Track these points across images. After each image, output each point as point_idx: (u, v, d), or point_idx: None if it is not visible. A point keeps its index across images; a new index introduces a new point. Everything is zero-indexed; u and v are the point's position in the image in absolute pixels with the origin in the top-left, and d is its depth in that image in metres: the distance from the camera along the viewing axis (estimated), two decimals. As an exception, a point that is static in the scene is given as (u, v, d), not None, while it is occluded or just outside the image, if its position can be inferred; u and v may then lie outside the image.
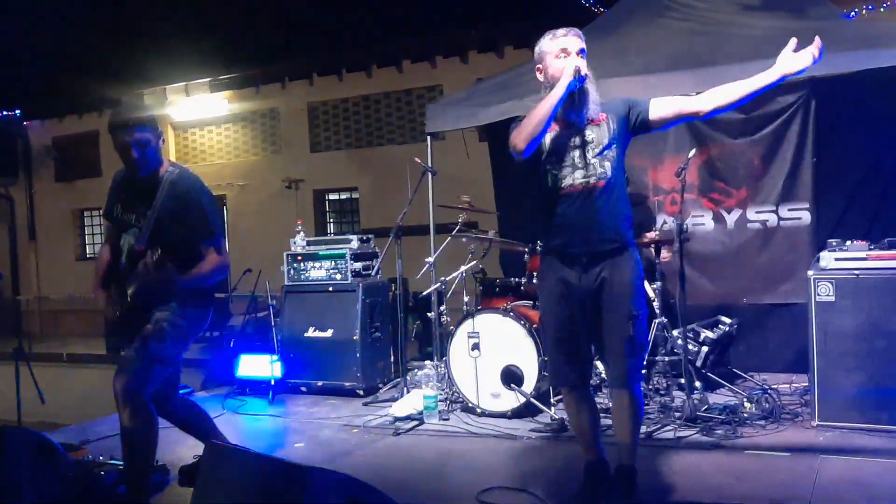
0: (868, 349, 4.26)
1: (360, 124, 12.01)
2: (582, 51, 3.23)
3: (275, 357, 6.07)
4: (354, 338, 5.97)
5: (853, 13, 7.40)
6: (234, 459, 2.51)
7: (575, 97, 3.15)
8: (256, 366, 6.19)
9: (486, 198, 7.01)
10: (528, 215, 5.73)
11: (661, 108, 3.24)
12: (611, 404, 3.39)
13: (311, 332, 6.15)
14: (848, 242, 4.52)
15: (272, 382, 5.99)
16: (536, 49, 3.34)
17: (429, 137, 6.48)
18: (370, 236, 6.58)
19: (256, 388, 6.14)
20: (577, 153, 3.20)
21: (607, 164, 3.20)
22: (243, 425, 5.38)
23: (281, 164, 12.12)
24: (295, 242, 6.43)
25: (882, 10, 7.53)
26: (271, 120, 12.66)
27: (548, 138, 3.23)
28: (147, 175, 3.55)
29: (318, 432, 5.08)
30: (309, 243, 6.42)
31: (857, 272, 4.33)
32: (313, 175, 11.65)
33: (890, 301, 4.22)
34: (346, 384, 5.97)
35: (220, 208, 12.09)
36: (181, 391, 3.94)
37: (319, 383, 6.06)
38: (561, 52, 3.22)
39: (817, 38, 3.06)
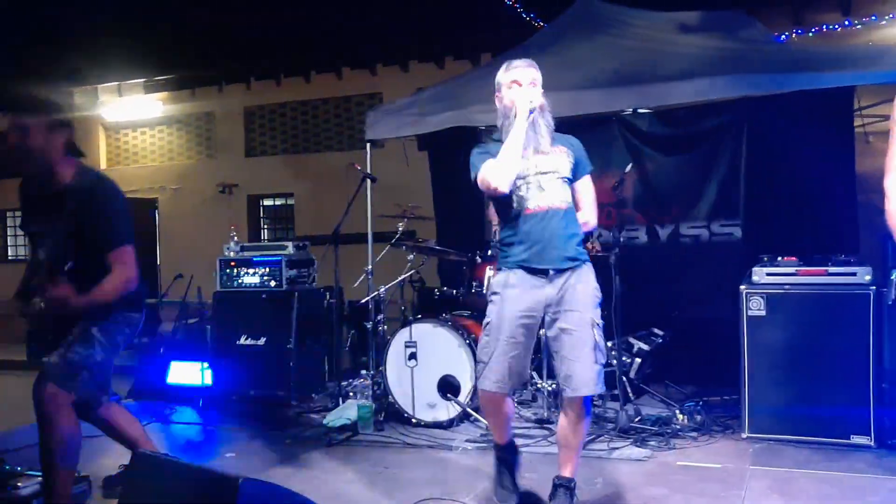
0: (797, 363, 4.37)
1: (298, 130, 11.90)
2: (534, 81, 3.39)
3: (206, 365, 5.92)
4: (288, 346, 5.87)
5: (784, 36, 7.64)
6: (163, 469, 2.42)
7: (533, 126, 3.34)
8: (187, 373, 6.04)
9: (425, 207, 6.99)
10: (466, 224, 5.76)
11: (578, 189, 3.53)
12: (563, 413, 3.44)
13: (244, 340, 6.03)
14: (779, 258, 4.63)
15: (203, 391, 5.84)
16: (496, 79, 3.49)
17: (368, 145, 6.42)
18: (306, 243, 6.48)
19: (187, 396, 5.98)
20: (540, 178, 3.37)
21: (566, 191, 3.42)
22: (173, 434, 5.23)
23: (215, 169, 11.91)
24: (228, 248, 6.29)
25: (811, 34, 7.80)
26: (206, 123, 12.44)
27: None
28: (49, 179, 3.33)
29: (250, 442, 4.97)
30: (243, 249, 6.29)
31: (787, 287, 4.44)
32: (248, 180, 11.48)
33: (818, 316, 4.34)
34: (279, 393, 5.86)
35: (147, 213, 11.83)
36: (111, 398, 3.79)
37: (251, 392, 5.94)
38: (512, 83, 3.39)
39: None
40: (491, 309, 3.45)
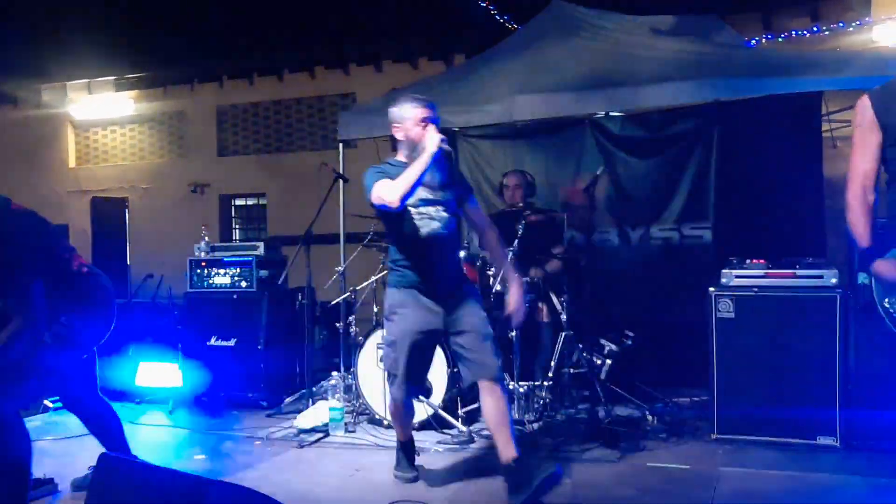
0: (765, 364, 4.41)
1: (271, 129, 11.81)
2: (435, 120, 3.77)
3: (176, 366, 5.86)
4: (259, 347, 5.83)
5: (754, 41, 7.72)
6: (130, 472, 2.39)
7: (437, 163, 3.69)
8: (156, 375, 5.98)
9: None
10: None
11: (471, 214, 3.99)
12: (482, 396, 3.76)
13: (214, 341, 5.97)
14: (748, 261, 4.67)
15: (173, 392, 5.78)
16: (395, 111, 3.83)
17: (341, 145, 6.41)
18: (278, 244, 6.44)
19: (156, 397, 5.92)
20: (433, 208, 3.78)
21: (452, 220, 3.85)
22: (141, 436, 5.17)
23: (187, 168, 11.80)
24: (199, 248, 6.23)
25: (780, 39, 7.90)
26: (178, 122, 12.31)
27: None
28: None
29: (220, 444, 4.93)
30: (213, 249, 6.24)
31: (755, 290, 4.49)
32: (220, 180, 11.38)
33: (786, 318, 4.39)
34: (250, 395, 5.83)
35: (117, 213, 11.69)
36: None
37: (221, 394, 5.88)
38: (420, 121, 3.74)
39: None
40: (391, 327, 3.84)
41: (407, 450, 4.16)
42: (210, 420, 5.53)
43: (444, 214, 3.80)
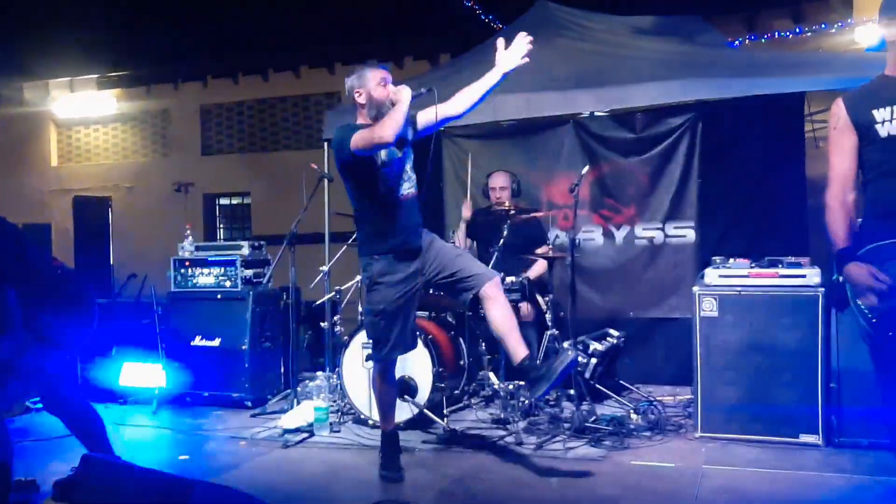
0: (748, 363, 4.44)
1: (255, 128, 11.78)
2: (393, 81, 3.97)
3: (159, 366, 5.83)
4: (243, 347, 5.81)
5: (738, 42, 7.78)
6: (113, 473, 2.38)
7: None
8: (140, 375, 5.94)
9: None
10: (426, 224, 5.74)
11: (424, 116, 4.04)
12: (486, 306, 3.93)
13: (198, 341, 5.94)
14: (731, 260, 4.70)
15: (156, 392, 5.76)
16: (355, 78, 3.99)
17: (325, 144, 6.40)
18: (262, 243, 6.41)
19: (140, 397, 5.88)
20: (405, 167, 3.97)
21: (414, 177, 4.02)
22: (125, 437, 5.14)
23: (171, 167, 11.75)
24: (183, 247, 6.20)
25: (763, 40, 7.95)
26: (162, 121, 12.27)
27: (384, 152, 3.87)
28: None
29: (204, 445, 4.90)
30: (198, 248, 6.21)
31: (739, 289, 4.52)
32: (204, 179, 11.34)
33: (769, 317, 4.42)
34: (234, 395, 5.79)
35: (100, 212, 11.61)
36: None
37: (206, 394, 5.86)
38: (381, 81, 3.94)
39: (522, 34, 3.95)
40: (376, 296, 3.95)
41: (393, 446, 4.17)
42: (194, 420, 5.50)
43: (412, 174, 4.01)
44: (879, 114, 2.97)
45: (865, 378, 4.20)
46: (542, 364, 3.85)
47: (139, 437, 5.16)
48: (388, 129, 3.66)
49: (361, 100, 3.97)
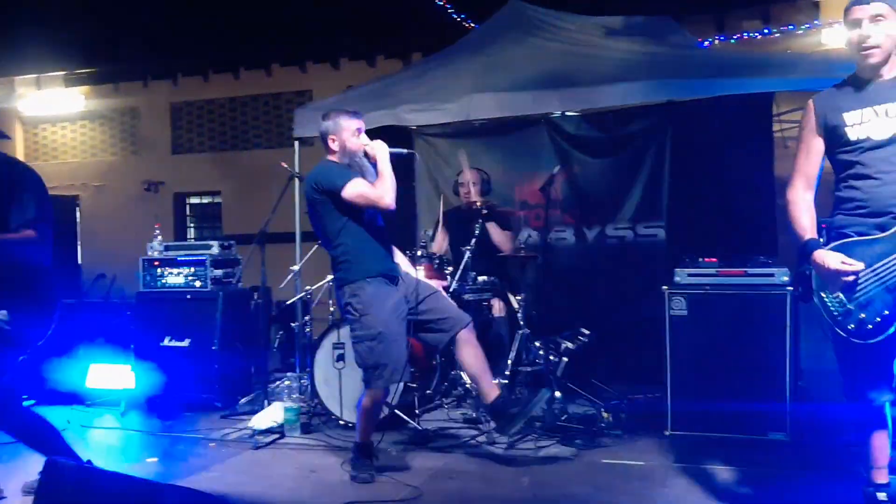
0: (717, 361, 4.48)
1: (226, 127, 11.66)
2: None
3: (128, 367, 5.76)
4: (213, 348, 5.75)
5: (708, 42, 7.84)
6: (79, 477, 2.34)
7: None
8: (108, 376, 5.86)
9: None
10: (397, 224, 5.73)
11: None
12: (459, 349, 4.15)
13: (168, 342, 5.88)
14: (700, 259, 4.74)
15: (124, 394, 5.68)
16: (330, 124, 4.11)
17: (296, 143, 6.36)
18: (232, 242, 6.36)
19: (107, 399, 5.81)
20: None
21: None
22: (92, 440, 5.08)
23: (140, 166, 11.59)
24: (152, 247, 6.13)
25: (732, 41, 8.02)
26: (131, 119, 12.09)
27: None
28: None
29: (173, 447, 4.85)
30: (167, 248, 6.14)
31: (707, 287, 4.56)
32: (174, 178, 11.21)
33: (737, 315, 4.46)
34: (204, 396, 5.73)
35: (67, 211, 11.47)
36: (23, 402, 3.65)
37: (175, 395, 5.79)
38: (356, 132, 4.08)
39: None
40: (370, 321, 3.94)
41: (367, 450, 4.16)
42: (163, 422, 5.44)
43: None
44: (850, 117, 3.03)
45: (832, 376, 4.26)
46: (514, 403, 4.06)
47: (106, 440, 5.10)
48: (391, 196, 3.90)
49: (334, 146, 4.10)
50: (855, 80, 3.10)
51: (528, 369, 5.18)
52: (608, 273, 6.25)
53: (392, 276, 4.07)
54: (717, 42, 8.09)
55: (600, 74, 5.40)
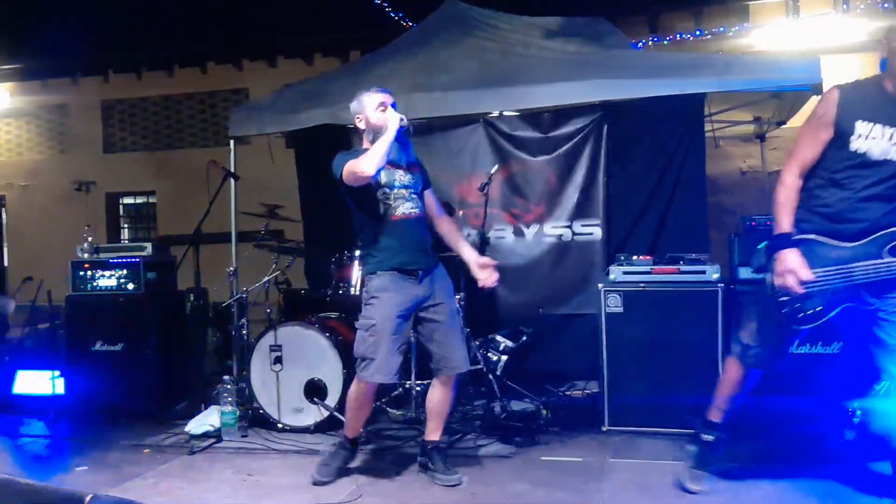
0: (652, 357, 4.56)
1: (160, 125, 11.42)
2: (394, 104, 3.97)
3: (57, 373, 5.59)
4: (147, 352, 5.62)
5: (641, 43, 7.96)
6: (-2, 491, 2.25)
7: (401, 142, 3.94)
8: (36, 383, 5.69)
9: (293, 206, 6.85)
10: (334, 225, 5.70)
11: (428, 198, 4.14)
12: (437, 387, 4.01)
13: (99, 346, 5.72)
14: (635, 257, 4.82)
15: (54, 400, 5.51)
16: (354, 104, 4.03)
17: (232, 142, 6.26)
18: (166, 244, 6.23)
19: (36, 407, 5.63)
20: (405, 190, 3.94)
21: (420, 202, 4.01)
22: (18, 449, 4.91)
23: (70, 165, 11.27)
24: (82, 249, 5.95)
25: (666, 42, 8.17)
26: (60, 117, 11.75)
27: (383, 174, 3.87)
28: None
29: (105, 454, 4.72)
30: (98, 250, 5.97)
31: (642, 285, 4.64)
32: (106, 177, 10.94)
33: (671, 312, 4.55)
34: (138, 401, 5.60)
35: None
36: None
37: (108, 401, 5.65)
38: (380, 106, 3.94)
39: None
40: (372, 311, 3.87)
41: (344, 448, 4.13)
42: (95, 429, 5.29)
43: (415, 195, 3.98)
44: (861, 127, 3.16)
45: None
46: (440, 459, 4.01)
47: (33, 449, 4.94)
48: (369, 164, 3.69)
49: (361, 125, 4.02)
50: (881, 89, 3.20)
51: (468, 368, 5.18)
52: (547, 271, 6.29)
53: (410, 270, 3.88)
54: (650, 43, 8.24)
55: (536, 74, 5.44)
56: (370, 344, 3.82)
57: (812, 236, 3.24)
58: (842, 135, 3.19)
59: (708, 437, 3.70)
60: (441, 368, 3.96)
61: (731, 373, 3.64)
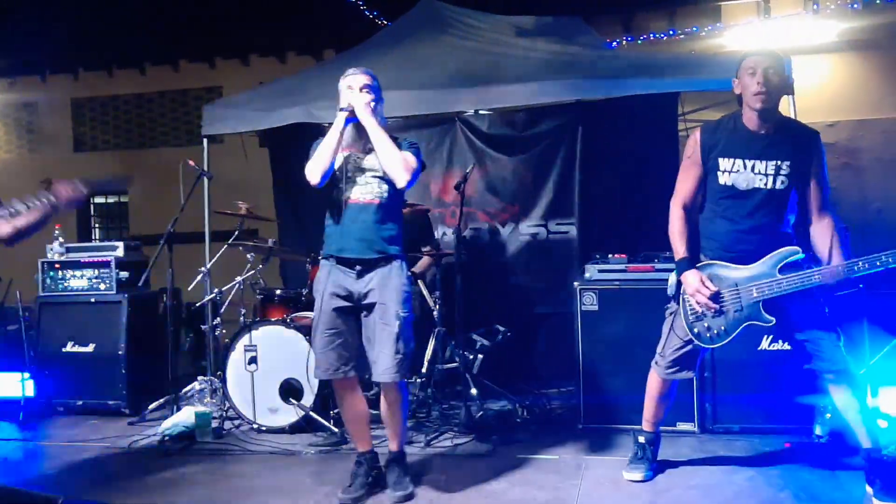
0: (627, 355, 4.56)
1: (132, 124, 11.31)
2: (367, 86, 3.69)
3: (26, 375, 5.50)
4: (119, 352, 5.56)
5: (615, 43, 8.01)
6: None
7: (359, 126, 3.66)
8: (4, 385, 5.59)
9: (266, 205, 6.80)
10: (308, 224, 5.67)
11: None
12: (382, 396, 3.76)
13: (70, 347, 5.65)
14: (610, 255, 4.84)
15: (23, 403, 5.43)
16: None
17: (205, 140, 6.20)
18: (138, 243, 6.16)
19: (4, 409, 5.53)
20: (359, 173, 3.67)
21: (385, 187, 3.67)
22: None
23: (39, 164, 11.09)
24: (52, 249, 5.87)
25: (639, 42, 8.23)
26: (28, 115, 11.60)
27: (341, 157, 3.66)
28: None
29: (77, 456, 4.65)
30: (68, 250, 5.89)
31: (617, 283, 4.66)
32: (77, 176, 10.79)
33: (645, 309, 4.54)
34: (110, 402, 5.55)
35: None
36: None
37: (80, 402, 5.59)
38: (347, 89, 3.70)
39: None
40: (315, 305, 3.72)
41: (358, 464, 3.84)
42: (67, 431, 5.22)
43: (372, 181, 3.66)
44: (724, 163, 3.48)
45: (736, 367, 4.43)
46: (389, 473, 3.79)
47: (4, 452, 4.85)
48: (310, 172, 3.57)
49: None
50: (737, 123, 3.50)
51: (445, 367, 5.19)
52: (522, 270, 6.31)
53: (345, 260, 3.63)
54: (624, 43, 8.30)
55: (511, 73, 5.45)
56: (314, 340, 3.73)
57: (713, 261, 3.54)
58: (709, 171, 3.52)
59: (641, 439, 3.96)
60: (373, 373, 3.69)
61: (652, 382, 3.87)
